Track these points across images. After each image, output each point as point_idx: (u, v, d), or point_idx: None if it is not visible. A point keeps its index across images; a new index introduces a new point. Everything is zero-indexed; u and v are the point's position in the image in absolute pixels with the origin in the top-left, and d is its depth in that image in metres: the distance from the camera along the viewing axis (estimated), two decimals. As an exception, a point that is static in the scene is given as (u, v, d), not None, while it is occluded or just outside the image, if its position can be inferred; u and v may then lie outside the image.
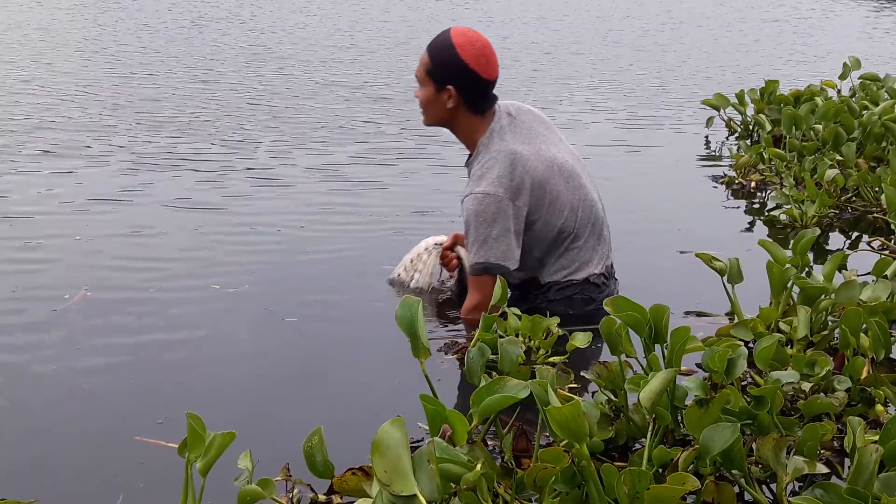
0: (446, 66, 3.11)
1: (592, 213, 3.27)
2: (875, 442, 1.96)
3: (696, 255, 3.17)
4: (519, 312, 2.89)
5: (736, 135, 6.44)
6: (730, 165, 5.57)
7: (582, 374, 2.46)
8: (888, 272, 3.15)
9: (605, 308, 2.34)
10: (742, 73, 9.29)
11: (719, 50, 11.01)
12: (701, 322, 3.28)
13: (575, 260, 3.24)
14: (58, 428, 2.58)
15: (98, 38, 10.12)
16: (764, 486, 2.18)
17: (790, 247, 3.31)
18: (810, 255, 3.29)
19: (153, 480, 2.28)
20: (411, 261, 3.51)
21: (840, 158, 5.05)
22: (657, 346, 2.34)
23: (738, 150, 5.79)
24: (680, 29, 12.86)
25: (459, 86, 3.11)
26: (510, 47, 10.47)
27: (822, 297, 2.95)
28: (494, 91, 3.21)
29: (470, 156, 3.25)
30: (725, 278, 3.14)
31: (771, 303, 3.08)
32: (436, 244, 3.49)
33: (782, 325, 2.99)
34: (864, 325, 2.72)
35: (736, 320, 3.07)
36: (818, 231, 3.39)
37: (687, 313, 3.35)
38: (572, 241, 3.22)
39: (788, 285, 3.04)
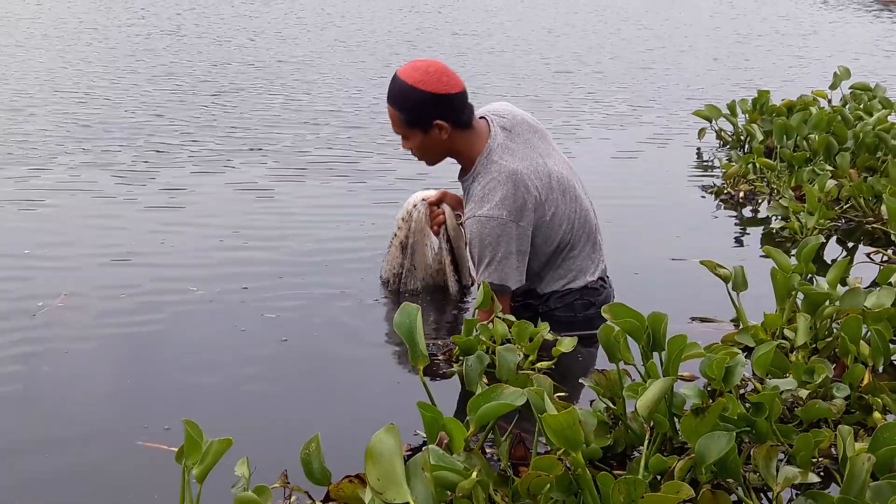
0: (420, 107, 3.05)
1: (587, 223, 3.26)
2: (866, 451, 1.95)
3: (701, 263, 3.16)
4: (513, 318, 2.90)
5: (728, 146, 6.40)
6: (720, 175, 5.55)
7: (580, 381, 2.46)
8: (893, 279, 3.13)
9: (604, 315, 2.34)
10: (739, 83, 9.25)
11: (717, 61, 10.98)
12: (707, 328, 3.27)
13: (572, 269, 3.24)
14: (58, 435, 2.58)
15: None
16: (762, 494, 2.18)
17: (794, 255, 3.29)
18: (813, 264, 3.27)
19: (162, 486, 2.27)
20: (402, 219, 3.51)
21: (831, 169, 5.00)
22: (655, 354, 2.35)
23: (728, 160, 5.77)
24: (676, 39, 12.83)
25: (443, 115, 3.06)
26: (500, 57, 10.44)
27: (826, 303, 2.94)
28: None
29: (463, 171, 3.21)
30: (730, 285, 3.13)
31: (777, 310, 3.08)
32: (423, 199, 3.49)
33: (787, 332, 2.98)
34: (868, 333, 2.71)
35: (741, 327, 3.07)
36: (822, 239, 3.38)
37: (693, 319, 3.35)
38: (569, 251, 3.23)
39: (793, 292, 3.03)
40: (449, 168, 3.32)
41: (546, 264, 3.23)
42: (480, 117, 3.21)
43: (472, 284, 3.58)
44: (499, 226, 3.06)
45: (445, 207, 3.45)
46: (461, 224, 3.46)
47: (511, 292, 3.14)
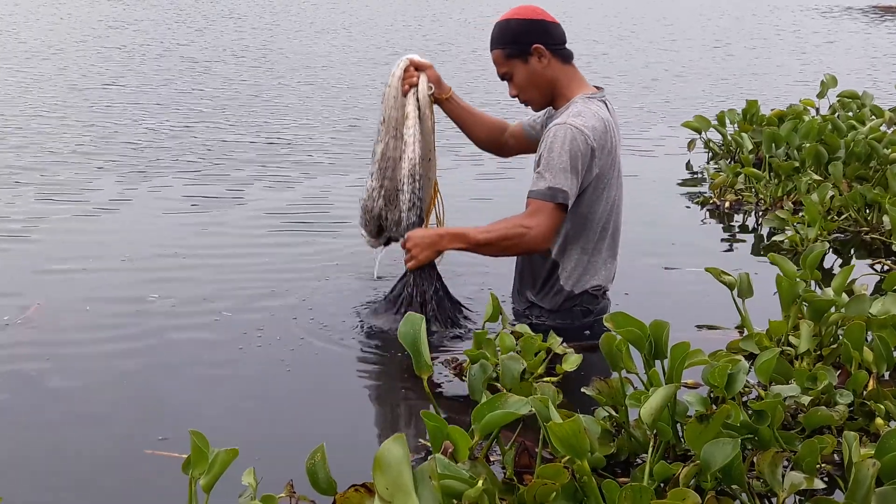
0: (518, 35, 3.16)
1: (618, 226, 3.29)
2: (872, 456, 1.96)
3: (706, 270, 3.16)
4: (527, 330, 2.90)
5: (717, 156, 6.39)
6: (708, 186, 5.55)
7: (582, 390, 2.47)
8: (898, 286, 3.14)
9: (605, 324, 2.35)
10: (731, 93, 9.27)
11: (709, 71, 11.00)
12: (711, 336, 3.28)
13: (589, 262, 3.23)
14: (63, 443, 2.58)
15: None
16: (766, 500, 2.19)
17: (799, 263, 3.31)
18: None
19: (169, 494, 2.28)
20: (391, 75, 3.42)
21: (818, 178, 4.99)
22: (657, 362, 2.35)
23: (717, 170, 5.76)
24: (666, 49, 12.85)
25: (539, 40, 3.15)
26: (484, 73, 10.43)
27: (832, 310, 2.95)
28: None
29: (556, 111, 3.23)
30: (735, 292, 3.14)
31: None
32: (408, 58, 3.43)
33: (792, 339, 2.98)
34: (872, 339, 2.71)
35: (746, 334, 3.07)
36: (827, 245, 3.39)
37: (699, 327, 3.36)
38: (599, 235, 3.22)
39: (798, 299, 3.03)
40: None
41: (575, 235, 3.20)
42: (596, 86, 3.28)
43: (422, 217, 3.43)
44: (584, 143, 3.08)
45: (422, 75, 3.38)
46: (431, 95, 3.39)
47: (560, 217, 3.09)
